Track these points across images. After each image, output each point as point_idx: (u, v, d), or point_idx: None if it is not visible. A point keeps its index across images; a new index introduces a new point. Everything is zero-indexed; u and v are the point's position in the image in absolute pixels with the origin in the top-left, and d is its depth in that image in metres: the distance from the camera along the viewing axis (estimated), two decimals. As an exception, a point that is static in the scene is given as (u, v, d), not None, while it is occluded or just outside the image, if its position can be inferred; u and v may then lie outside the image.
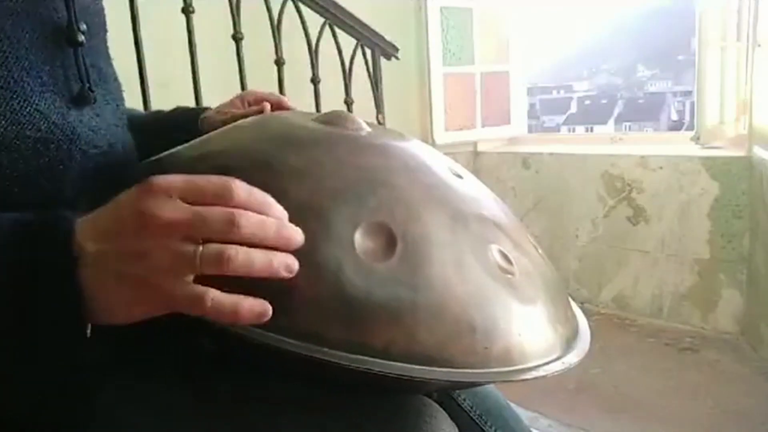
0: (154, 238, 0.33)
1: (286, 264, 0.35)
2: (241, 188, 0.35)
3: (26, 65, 0.45)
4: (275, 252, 0.35)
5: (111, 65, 0.59)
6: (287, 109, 0.72)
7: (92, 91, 0.50)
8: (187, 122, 0.73)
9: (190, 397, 0.47)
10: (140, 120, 0.72)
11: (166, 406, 0.46)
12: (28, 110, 0.44)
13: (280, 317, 0.38)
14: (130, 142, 0.58)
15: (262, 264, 0.34)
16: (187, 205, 0.34)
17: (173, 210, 0.33)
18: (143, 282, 0.34)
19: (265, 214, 0.35)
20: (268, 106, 0.70)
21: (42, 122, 0.45)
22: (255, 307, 0.35)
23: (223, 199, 0.34)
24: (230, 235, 0.33)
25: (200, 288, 0.34)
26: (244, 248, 0.34)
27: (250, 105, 0.73)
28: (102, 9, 0.58)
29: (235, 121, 0.65)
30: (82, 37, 0.49)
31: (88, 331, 0.35)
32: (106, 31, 0.59)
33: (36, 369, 0.35)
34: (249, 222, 0.34)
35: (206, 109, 0.76)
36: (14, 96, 0.44)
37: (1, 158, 0.43)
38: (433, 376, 0.38)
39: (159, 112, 0.80)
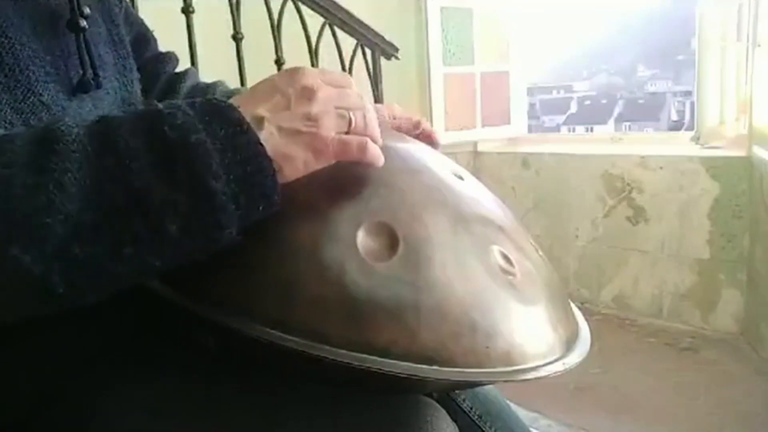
0: (320, 105, 0.40)
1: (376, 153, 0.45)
2: (352, 81, 0.44)
3: (30, 53, 0.44)
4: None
5: (114, 51, 0.58)
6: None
7: (97, 76, 0.49)
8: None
9: (193, 396, 0.47)
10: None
11: (166, 405, 0.46)
12: (31, 100, 0.44)
13: (282, 315, 0.38)
14: None
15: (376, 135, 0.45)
16: (333, 85, 0.42)
17: (327, 87, 0.41)
18: (318, 137, 0.40)
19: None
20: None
21: (44, 112, 0.45)
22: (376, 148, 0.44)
23: (346, 84, 0.43)
24: (362, 106, 0.43)
25: (360, 137, 0.43)
26: (375, 120, 0.44)
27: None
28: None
29: None
30: (84, 22, 0.49)
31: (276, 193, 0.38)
32: (112, 19, 0.58)
33: (232, 219, 0.36)
34: (371, 107, 0.45)
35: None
36: (18, 85, 0.43)
37: None
38: (434, 376, 0.39)
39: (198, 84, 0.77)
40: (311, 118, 0.39)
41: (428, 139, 0.67)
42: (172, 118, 0.34)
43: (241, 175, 0.35)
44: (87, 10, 0.49)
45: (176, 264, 0.36)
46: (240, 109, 0.37)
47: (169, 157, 0.33)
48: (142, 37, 0.70)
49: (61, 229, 0.31)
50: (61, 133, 0.33)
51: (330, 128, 0.40)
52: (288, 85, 0.40)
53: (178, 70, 0.75)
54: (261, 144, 0.36)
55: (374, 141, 0.44)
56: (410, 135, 0.64)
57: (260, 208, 0.37)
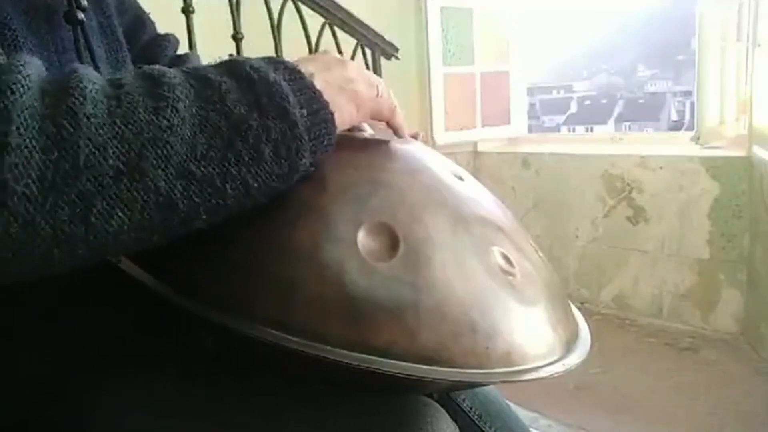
0: (354, 72, 0.46)
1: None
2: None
3: (31, 47, 0.45)
4: None
5: (106, 44, 0.58)
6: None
7: (97, 68, 0.49)
8: None
9: (193, 396, 0.47)
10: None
11: (166, 405, 0.46)
12: None
13: (282, 315, 0.38)
14: None
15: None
16: None
17: (354, 65, 0.47)
18: (357, 94, 0.46)
19: None
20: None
21: None
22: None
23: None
24: (382, 86, 0.49)
25: (389, 101, 0.50)
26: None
27: None
28: None
29: None
30: (81, 15, 0.49)
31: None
32: (103, 11, 0.58)
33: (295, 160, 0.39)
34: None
35: None
36: None
37: None
38: (434, 376, 0.39)
39: None
40: (349, 80, 0.45)
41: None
42: (249, 62, 0.39)
43: (311, 111, 0.40)
44: (84, 2, 0.50)
45: (270, 191, 0.39)
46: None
47: (256, 90, 0.38)
48: (139, 20, 0.70)
49: (180, 149, 0.34)
50: (162, 71, 0.37)
51: (365, 90, 0.46)
52: (324, 58, 0.46)
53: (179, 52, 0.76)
54: (319, 90, 0.41)
55: (395, 106, 0.50)
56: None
57: (324, 143, 0.41)
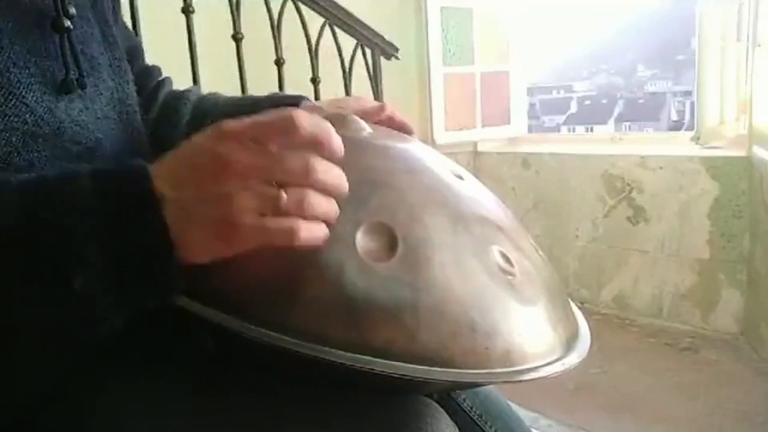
0: (237, 181, 0.34)
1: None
2: (303, 120, 0.35)
3: (11, 55, 0.44)
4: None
5: (109, 52, 0.57)
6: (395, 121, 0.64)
7: (83, 76, 0.49)
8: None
9: (192, 397, 0.47)
10: (227, 104, 0.70)
11: (167, 406, 0.46)
12: (13, 102, 0.43)
13: (282, 316, 0.38)
14: (126, 136, 0.56)
15: (334, 214, 0.38)
16: (264, 148, 0.35)
17: (251, 153, 0.34)
18: (229, 223, 0.34)
19: (329, 145, 0.37)
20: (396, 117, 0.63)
21: (28, 115, 0.44)
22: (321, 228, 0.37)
23: (291, 134, 0.35)
24: (307, 181, 0.36)
25: (291, 220, 0.35)
26: (322, 197, 0.37)
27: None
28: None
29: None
30: (68, 23, 0.48)
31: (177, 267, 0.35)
32: (106, 20, 0.58)
33: (127, 301, 0.34)
34: (326, 171, 0.37)
35: (302, 98, 0.68)
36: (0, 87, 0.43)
37: None
38: (434, 376, 0.38)
39: (251, 97, 0.74)
40: (221, 199, 0.34)
41: (401, 127, 0.62)
42: (57, 195, 0.32)
43: (123, 263, 0.33)
44: (72, 11, 0.49)
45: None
46: (153, 181, 0.34)
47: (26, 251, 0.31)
48: (136, 49, 0.71)
49: None
50: None
51: (244, 210, 0.34)
52: (203, 152, 0.35)
53: (180, 88, 0.76)
54: (161, 226, 0.33)
55: (318, 217, 0.37)
56: (384, 125, 0.62)
57: (147, 300, 0.35)
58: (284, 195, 0.35)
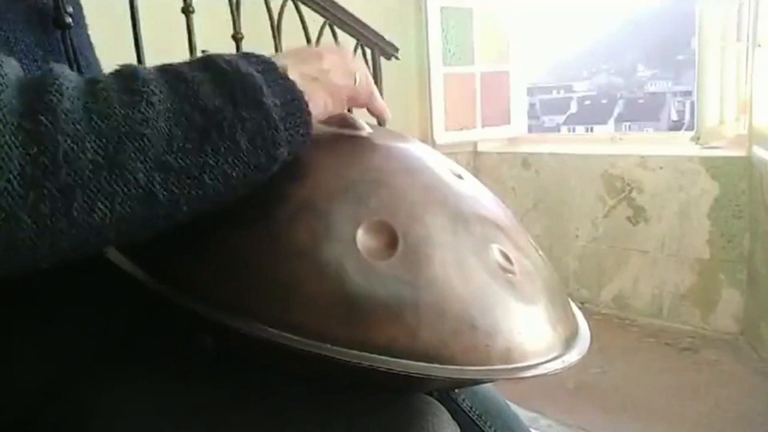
0: (330, 63, 0.46)
1: None
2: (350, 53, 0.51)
3: (23, 47, 0.46)
4: None
5: (96, 59, 0.60)
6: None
7: (82, 73, 0.50)
8: None
9: (192, 395, 0.47)
10: None
11: (166, 405, 0.46)
12: None
13: (282, 314, 0.38)
14: None
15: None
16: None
17: (333, 53, 0.48)
18: (335, 87, 0.47)
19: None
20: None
21: None
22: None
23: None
24: (364, 71, 0.50)
25: (366, 87, 0.50)
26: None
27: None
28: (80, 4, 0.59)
29: None
30: (69, 20, 0.50)
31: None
32: (86, 25, 0.60)
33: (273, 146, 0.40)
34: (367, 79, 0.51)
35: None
36: None
37: None
38: (434, 373, 0.39)
39: None
40: (324, 71, 0.46)
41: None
42: (222, 56, 0.40)
43: (285, 101, 0.40)
44: (70, 9, 0.51)
45: (250, 182, 0.39)
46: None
47: (230, 83, 0.39)
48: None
49: (156, 141, 0.35)
50: (136, 68, 0.37)
51: (340, 80, 0.47)
52: (299, 50, 0.47)
53: None
54: (292, 80, 0.42)
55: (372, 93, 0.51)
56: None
57: (300, 132, 0.41)
58: (359, 76, 0.49)
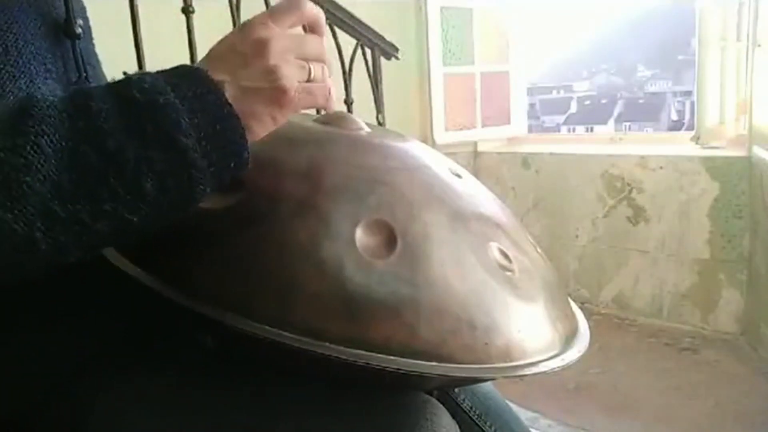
0: (277, 57, 0.40)
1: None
2: (306, 3, 0.43)
3: (33, 50, 0.46)
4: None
5: (102, 71, 0.60)
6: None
7: (89, 82, 0.51)
8: None
9: (191, 396, 0.47)
10: None
11: (165, 404, 0.46)
12: (33, 90, 0.45)
13: (281, 312, 0.38)
14: None
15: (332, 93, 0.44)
16: (289, 32, 0.41)
17: (281, 36, 0.41)
18: (280, 89, 0.40)
19: (323, 24, 0.46)
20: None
21: None
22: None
23: (299, 9, 0.43)
24: (321, 54, 0.43)
25: (322, 85, 0.43)
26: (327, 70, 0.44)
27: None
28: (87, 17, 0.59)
29: None
30: (79, 30, 0.51)
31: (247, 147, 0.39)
32: (92, 37, 0.61)
33: (203, 175, 0.37)
34: (324, 52, 0.44)
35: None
36: (22, 75, 0.45)
37: None
38: (433, 371, 0.39)
39: None
40: (270, 71, 0.40)
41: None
42: (140, 83, 0.36)
43: (211, 133, 0.36)
44: (80, 21, 0.52)
45: (156, 223, 0.37)
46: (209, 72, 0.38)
47: (138, 117, 0.35)
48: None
49: (41, 188, 0.32)
50: (36, 100, 0.34)
51: (291, 77, 0.40)
52: (242, 42, 0.40)
53: None
54: (229, 104, 0.37)
55: (329, 86, 0.44)
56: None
57: (232, 165, 0.38)
58: (313, 67, 0.42)
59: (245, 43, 0.40)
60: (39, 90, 0.46)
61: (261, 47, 0.40)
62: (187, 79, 0.37)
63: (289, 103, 0.41)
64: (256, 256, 0.40)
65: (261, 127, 0.40)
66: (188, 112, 0.36)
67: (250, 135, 0.39)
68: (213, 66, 0.39)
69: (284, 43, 0.40)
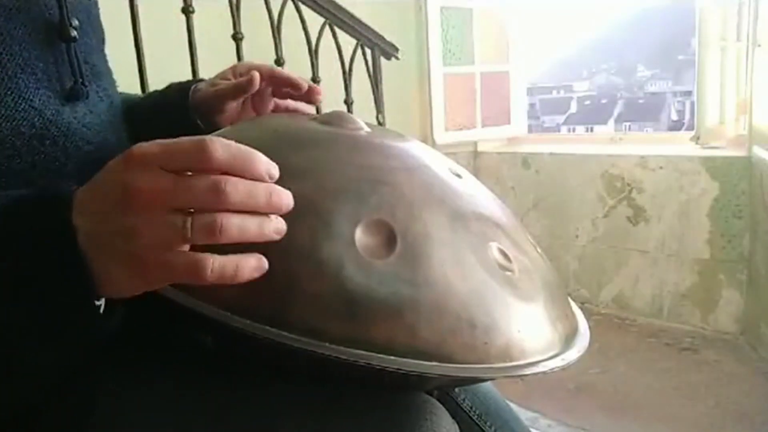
0: (140, 213, 0.32)
1: (276, 228, 0.35)
2: (218, 148, 0.32)
3: (20, 61, 0.45)
4: (265, 217, 0.35)
5: (106, 62, 0.59)
6: (279, 77, 0.65)
7: (85, 86, 0.50)
8: (181, 98, 0.67)
9: (192, 396, 0.47)
10: (135, 103, 0.70)
11: (166, 404, 0.46)
12: (22, 106, 0.45)
13: (281, 312, 0.38)
14: (123, 140, 0.58)
15: (255, 231, 0.34)
16: (170, 174, 0.32)
17: (154, 181, 0.32)
18: (137, 258, 0.33)
19: (250, 171, 0.34)
20: (257, 74, 0.62)
21: (36, 118, 0.46)
22: (251, 262, 0.35)
23: (201, 162, 0.32)
24: (218, 204, 0.32)
25: (198, 255, 0.32)
26: (236, 216, 0.33)
27: (241, 76, 0.64)
28: (95, 4, 0.58)
29: (225, 92, 0.63)
30: (74, 33, 0.50)
31: (100, 302, 0.35)
32: (101, 28, 0.60)
33: (52, 345, 0.35)
34: (236, 189, 0.33)
35: (200, 80, 0.69)
36: (9, 92, 0.44)
37: None
38: (433, 371, 0.39)
39: (153, 92, 0.74)
40: (127, 232, 0.32)
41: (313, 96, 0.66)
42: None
43: (46, 310, 0.33)
44: (75, 22, 0.50)
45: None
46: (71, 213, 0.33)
47: None
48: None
49: None
50: None
51: (148, 245, 0.32)
52: (113, 182, 0.33)
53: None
54: (76, 258, 0.32)
55: (234, 239, 0.33)
56: (293, 97, 0.67)
57: (79, 335, 0.35)
58: (191, 222, 0.32)
59: (113, 184, 0.33)
60: (30, 104, 0.45)
61: (125, 196, 0.32)
62: (41, 232, 0.32)
63: (148, 275, 0.33)
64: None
65: (115, 292, 0.34)
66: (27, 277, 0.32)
67: (111, 292, 0.34)
68: (82, 205, 0.34)
69: (154, 191, 0.32)
